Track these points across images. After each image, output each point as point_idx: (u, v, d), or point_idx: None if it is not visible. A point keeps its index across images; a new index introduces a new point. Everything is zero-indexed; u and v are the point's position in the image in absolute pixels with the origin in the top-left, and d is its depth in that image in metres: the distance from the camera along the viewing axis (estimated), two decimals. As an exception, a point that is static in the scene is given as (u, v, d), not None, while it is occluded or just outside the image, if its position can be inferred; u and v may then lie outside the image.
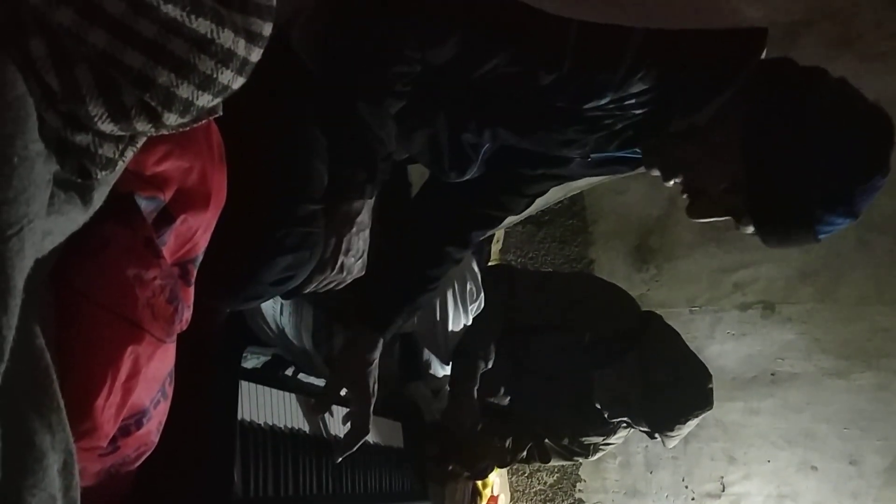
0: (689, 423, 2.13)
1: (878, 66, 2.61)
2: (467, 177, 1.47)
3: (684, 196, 1.31)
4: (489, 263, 2.92)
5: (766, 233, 1.25)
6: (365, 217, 1.24)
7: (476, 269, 2.11)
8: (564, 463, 2.86)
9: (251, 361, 1.36)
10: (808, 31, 2.56)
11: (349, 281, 1.27)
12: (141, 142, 0.67)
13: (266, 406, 1.30)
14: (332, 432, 1.50)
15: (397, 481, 1.78)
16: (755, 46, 1.20)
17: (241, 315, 1.40)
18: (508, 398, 2.31)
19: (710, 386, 2.14)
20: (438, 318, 2.02)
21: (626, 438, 2.53)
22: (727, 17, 1.22)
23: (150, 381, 0.83)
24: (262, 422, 1.27)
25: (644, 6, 1.16)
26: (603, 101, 1.19)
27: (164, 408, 0.91)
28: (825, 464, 3.29)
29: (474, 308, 2.11)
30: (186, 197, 0.85)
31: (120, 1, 0.56)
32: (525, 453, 2.40)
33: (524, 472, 3.66)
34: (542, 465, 2.72)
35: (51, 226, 0.63)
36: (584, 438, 2.41)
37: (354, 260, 1.24)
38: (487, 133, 1.35)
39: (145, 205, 0.79)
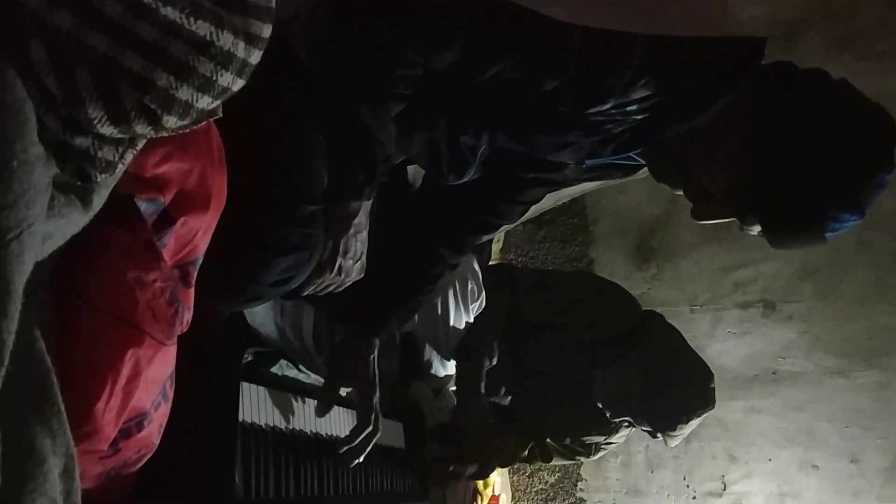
0: (691, 422, 2.13)
1: (878, 65, 2.61)
2: (465, 179, 1.47)
3: (689, 199, 1.31)
4: (490, 263, 2.92)
5: (772, 233, 1.25)
6: (362, 219, 1.24)
7: (477, 268, 2.11)
8: (566, 462, 2.85)
9: (252, 362, 1.36)
10: (808, 29, 2.56)
11: (348, 284, 1.27)
12: (141, 144, 0.67)
13: (267, 407, 1.30)
14: (337, 433, 1.50)
15: (398, 481, 1.78)
16: (755, 53, 1.21)
17: (241, 316, 1.40)
18: (510, 398, 2.31)
19: (712, 385, 2.14)
20: (440, 317, 2.02)
21: (628, 438, 2.53)
22: (728, 26, 1.22)
23: (150, 383, 0.83)
24: (263, 423, 1.27)
25: (648, 13, 1.17)
26: (605, 107, 1.19)
27: (164, 410, 0.91)
28: (827, 462, 3.29)
29: (475, 307, 2.11)
30: (186, 199, 0.84)
31: (119, 3, 0.55)
32: (527, 453, 2.40)
33: (525, 472, 3.66)
34: (544, 464, 2.72)
35: (51, 229, 0.63)
36: (585, 438, 2.40)
37: (353, 262, 1.23)
38: (486, 136, 1.35)
39: (145, 207, 0.79)
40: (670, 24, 1.16)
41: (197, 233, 0.90)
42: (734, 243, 3.36)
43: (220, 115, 0.68)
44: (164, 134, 0.63)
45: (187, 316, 0.90)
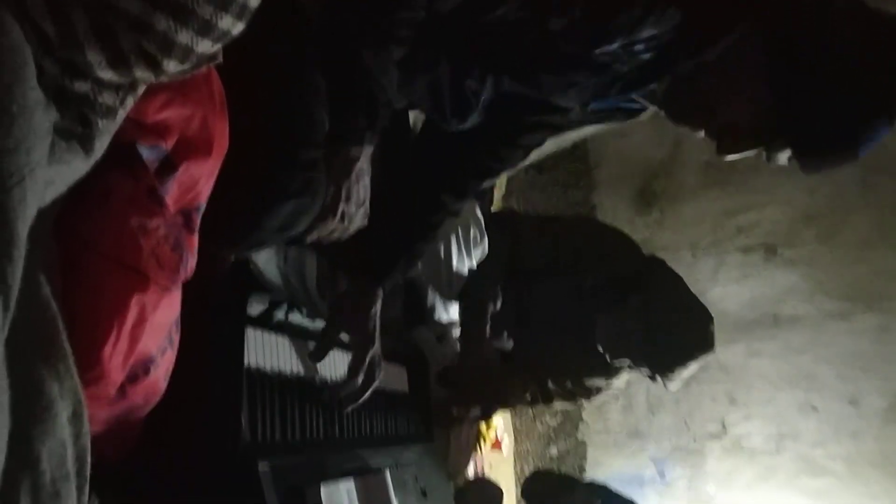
0: (691, 365, 2.14)
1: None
2: (468, 124, 1.46)
3: (710, 137, 1.28)
4: (492, 209, 2.92)
5: (805, 157, 1.22)
6: (364, 164, 1.23)
7: (479, 214, 2.10)
8: (567, 405, 2.88)
9: (256, 308, 1.36)
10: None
11: (352, 231, 1.27)
12: (141, 89, 0.66)
13: (272, 352, 1.31)
14: (340, 378, 1.51)
15: (403, 425, 1.80)
16: None
17: (245, 262, 1.40)
18: (511, 342, 2.32)
19: (712, 329, 2.15)
20: (443, 263, 2.03)
21: (629, 381, 2.55)
22: None
23: (156, 329, 0.84)
24: (268, 368, 1.28)
25: None
26: (613, 46, 1.17)
27: (171, 355, 0.92)
28: (825, 404, 3.32)
29: (478, 253, 2.12)
30: (188, 145, 0.84)
31: (115, -55, 0.54)
32: (529, 396, 2.43)
33: (527, 415, 3.70)
34: (546, 407, 2.75)
35: (53, 175, 0.63)
36: (586, 381, 2.42)
37: (356, 208, 1.23)
38: (490, 79, 1.33)
39: (147, 153, 0.79)
40: None
41: (199, 179, 0.89)
42: (737, 187, 3.35)
43: (221, 59, 0.67)
44: (165, 79, 0.63)
45: (191, 262, 0.90)
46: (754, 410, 3.42)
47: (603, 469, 3.62)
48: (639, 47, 1.18)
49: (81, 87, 0.61)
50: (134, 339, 0.78)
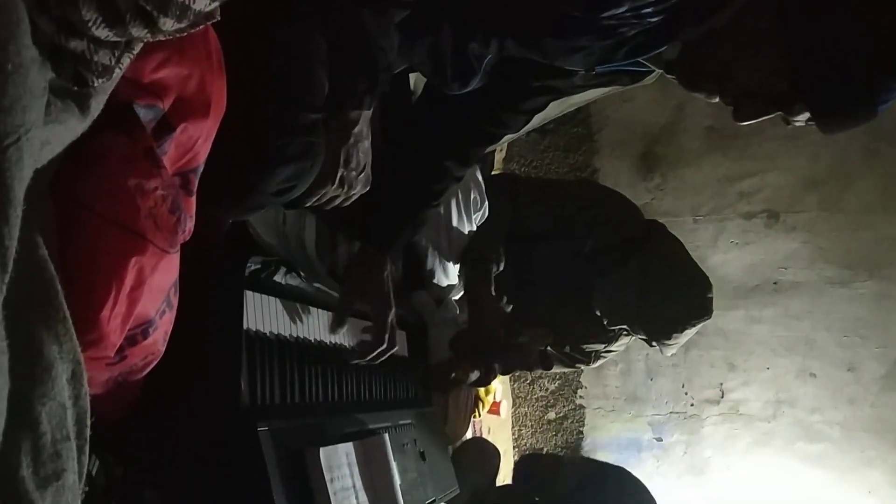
0: (687, 332, 2.14)
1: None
2: (469, 88, 1.44)
3: (726, 104, 1.26)
4: (493, 172, 2.91)
5: (823, 118, 1.20)
6: (363, 128, 1.22)
7: (480, 178, 2.09)
8: (566, 370, 2.90)
9: (255, 271, 1.36)
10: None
11: (354, 197, 1.26)
12: (137, 48, 0.65)
13: (271, 315, 1.31)
14: (342, 342, 1.52)
15: (402, 389, 1.81)
16: None
17: (244, 225, 1.40)
18: (511, 306, 2.32)
19: (710, 295, 2.15)
20: (443, 226, 2.02)
21: (628, 346, 2.56)
22: None
23: (154, 291, 0.83)
24: (267, 331, 1.28)
25: None
26: (620, 10, 1.15)
27: (169, 318, 0.92)
28: (824, 371, 3.34)
29: (478, 217, 2.11)
30: (186, 105, 0.83)
31: None
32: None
33: (526, 379, 3.72)
34: (544, 371, 2.76)
35: (48, 135, 0.62)
36: (585, 346, 2.43)
37: (355, 174, 1.22)
38: (495, 43, 1.31)
39: (144, 113, 0.78)
40: None
41: (197, 140, 0.88)
42: (740, 153, 3.33)
43: (218, 18, 0.66)
44: (161, 37, 0.62)
45: (189, 224, 0.89)
46: (752, 376, 3.43)
47: (600, 433, 3.65)
48: (646, 11, 1.16)
49: (77, 45, 0.60)
50: (132, 301, 0.78)
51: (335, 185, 1.21)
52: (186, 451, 1.09)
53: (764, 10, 1.15)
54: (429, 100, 1.63)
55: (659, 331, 2.15)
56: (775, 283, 3.40)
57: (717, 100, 1.26)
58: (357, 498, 1.31)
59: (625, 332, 2.30)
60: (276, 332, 1.30)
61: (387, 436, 1.46)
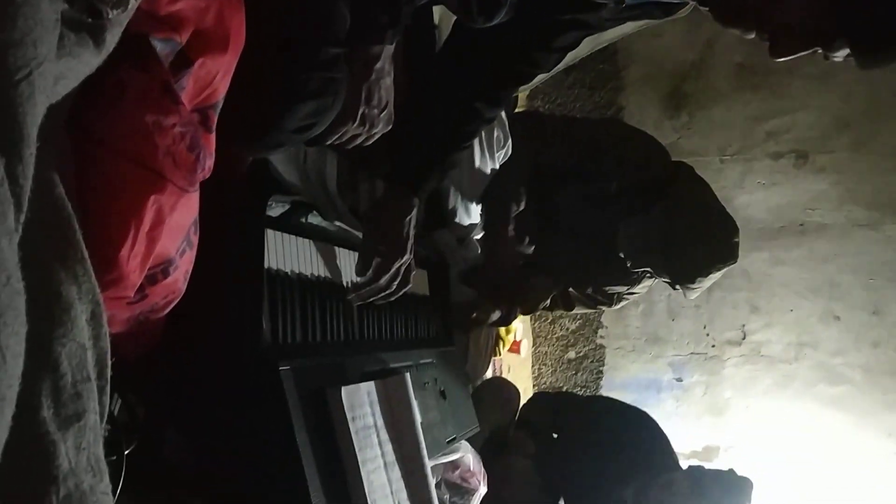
0: (711, 276, 2.12)
1: None
2: (495, 21, 1.40)
3: (763, 40, 1.21)
4: (517, 110, 2.86)
5: (864, 53, 1.15)
6: (385, 64, 1.19)
7: (503, 115, 2.05)
8: (587, 311, 2.89)
9: (276, 210, 1.35)
10: None
11: (377, 135, 1.23)
12: (153, -22, 0.63)
13: (292, 254, 1.29)
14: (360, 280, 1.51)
15: (423, 328, 1.81)
16: None
17: (264, 162, 1.38)
18: (533, 247, 2.31)
19: (736, 240, 2.12)
20: (465, 165, 1.99)
21: (650, 287, 2.54)
22: None
23: (174, 230, 0.82)
24: (288, 270, 1.27)
25: None
26: None
27: (190, 257, 0.91)
28: (848, 313, 3.31)
29: (501, 155, 2.08)
30: (203, 39, 0.81)
31: None
32: (549, 301, 2.42)
33: (547, 318, 3.73)
34: (565, 312, 2.76)
35: (62, 69, 0.60)
36: (607, 287, 2.42)
37: (378, 112, 1.19)
38: None
39: (161, 47, 0.76)
40: None
41: (216, 75, 0.86)
42: (770, 91, 3.26)
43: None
44: (177, -33, 0.59)
45: (209, 162, 0.88)
46: (775, 318, 3.42)
47: (620, 373, 3.66)
48: None
49: (90, -26, 0.58)
50: (152, 240, 0.77)
51: (356, 124, 1.18)
52: (208, 390, 1.09)
53: None
54: (458, 40, 1.59)
55: (683, 274, 2.13)
56: (801, 224, 3.36)
57: (752, 36, 1.21)
58: (378, 436, 1.31)
59: (648, 275, 2.28)
60: (297, 272, 1.29)
61: (408, 375, 1.46)
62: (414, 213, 1.48)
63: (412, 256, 1.49)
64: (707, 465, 2.26)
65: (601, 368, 3.70)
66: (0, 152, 0.50)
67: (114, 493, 0.73)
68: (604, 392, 3.66)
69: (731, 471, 2.21)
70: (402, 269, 1.48)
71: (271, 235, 1.24)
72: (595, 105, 3.57)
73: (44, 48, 0.53)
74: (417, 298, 1.80)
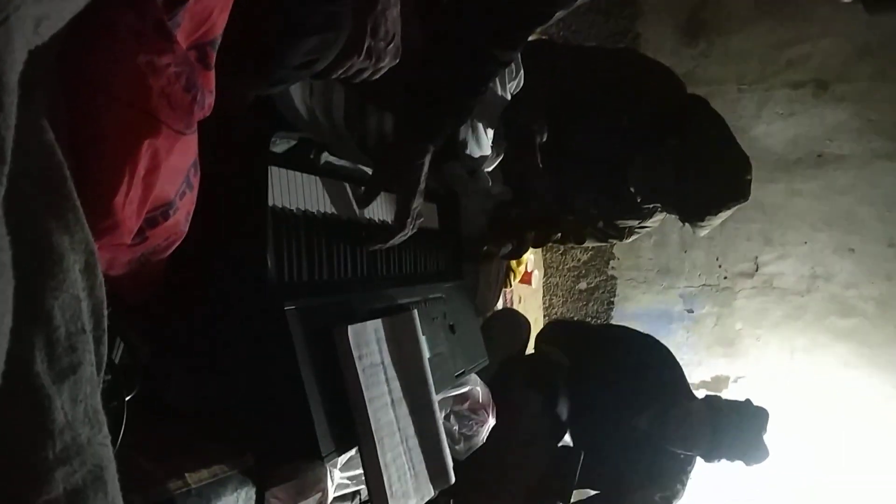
0: (721, 214, 2.09)
1: None
2: None
3: None
4: (529, 38, 2.79)
5: None
6: None
7: (515, 45, 2.00)
8: (599, 244, 2.88)
9: (280, 146, 1.32)
10: None
11: (384, 69, 1.20)
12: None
13: (297, 191, 1.27)
14: (370, 217, 1.49)
15: (432, 262, 1.79)
16: None
17: (267, 98, 1.35)
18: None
19: (748, 178, 2.08)
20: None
21: (663, 219, 2.51)
22: None
23: (172, 173, 0.80)
24: (293, 207, 1.25)
25: None
26: None
27: (190, 198, 0.89)
28: (863, 246, 3.28)
29: (513, 86, 2.04)
30: (198, -28, 0.77)
31: None
32: (560, 234, 2.40)
33: (558, 250, 3.71)
34: (577, 245, 2.74)
35: (45, 10, 0.57)
36: (618, 221, 2.40)
37: (384, 44, 1.15)
38: None
39: (152, -18, 0.72)
40: None
41: (213, 10, 0.83)
42: (791, 18, 3.17)
43: None
44: None
45: (209, 100, 0.85)
46: (789, 250, 3.39)
47: (631, 304, 3.66)
48: None
49: None
50: (148, 185, 0.75)
51: (362, 57, 1.14)
52: (213, 331, 1.09)
53: None
54: None
55: (693, 212, 2.10)
56: (819, 155, 3.30)
57: None
58: (385, 373, 1.31)
59: (659, 209, 2.25)
60: (302, 209, 1.27)
61: (416, 311, 1.46)
62: (427, 157, 1.45)
63: (421, 202, 1.48)
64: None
65: (612, 299, 3.70)
66: (-23, 102, 0.47)
67: (115, 441, 0.73)
68: (615, 322, 3.66)
69: (748, 401, 2.23)
70: (416, 211, 1.46)
71: (276, 172, 1.21)
72: (610, 32, 3.48)
73: (21, -10, 0.50)
74: (427, 232, 1.78)
